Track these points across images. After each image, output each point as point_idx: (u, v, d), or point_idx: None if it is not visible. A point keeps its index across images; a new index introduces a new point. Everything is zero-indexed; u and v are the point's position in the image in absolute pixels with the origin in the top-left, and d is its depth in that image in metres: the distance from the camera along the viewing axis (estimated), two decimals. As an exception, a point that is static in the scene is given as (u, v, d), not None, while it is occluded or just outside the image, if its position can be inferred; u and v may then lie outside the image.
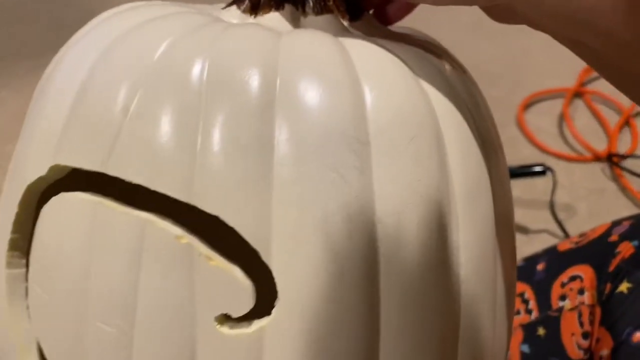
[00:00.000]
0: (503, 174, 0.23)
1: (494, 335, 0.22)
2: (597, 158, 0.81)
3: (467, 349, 0.20)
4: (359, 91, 0.18)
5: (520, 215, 0.73)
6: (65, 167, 0.18)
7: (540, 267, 0.43)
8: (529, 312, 0.41)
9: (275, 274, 0.16)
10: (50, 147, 0.19)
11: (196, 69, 0.18)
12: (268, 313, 0.16)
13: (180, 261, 0.16)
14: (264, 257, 0.16)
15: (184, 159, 0.16)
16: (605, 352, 0.36)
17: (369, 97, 0.18)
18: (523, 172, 0.71)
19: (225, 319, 0.16)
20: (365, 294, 0.16)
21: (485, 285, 0.20)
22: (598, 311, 0.38)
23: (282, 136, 0.16)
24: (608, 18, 0.19)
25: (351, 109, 0.17)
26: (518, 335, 0.41)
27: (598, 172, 0.80)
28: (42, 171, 0.19)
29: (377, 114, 0.17)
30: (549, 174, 0.72)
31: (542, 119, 0.89)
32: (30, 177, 0.19)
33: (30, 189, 0.19)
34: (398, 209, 0.16)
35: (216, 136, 0.16)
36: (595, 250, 0.40)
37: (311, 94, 0.17)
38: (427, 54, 0.23)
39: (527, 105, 0.90)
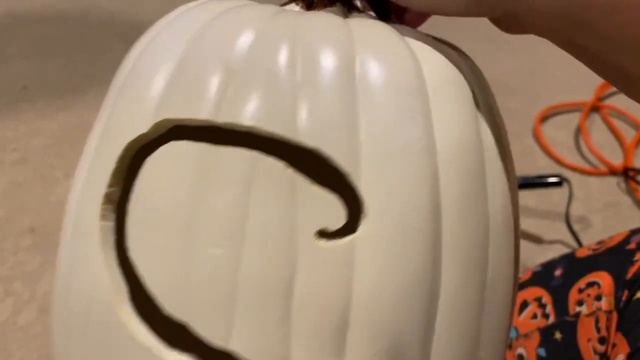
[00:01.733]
0: (513, 172, 0.26)
1: (508, 299, 0.24)
2: (612, 172, 0.81)
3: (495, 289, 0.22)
4: (415, 60, 0.22)
5: (535, 226, 0.74)
6: (164, 125, 0.21)
7: (557, 272, 0.43)
8: (546, 316, 0.42)
9: (363, 193, 0.19)
10: (151, 107, 0.21)
11: (287, 36, 0.21)
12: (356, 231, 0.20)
13: (287, 186, 0.19)
14: (355, 181, 0.20)
15: (288, 102, 0.20)
16: (621, 357, 0.37)
17: (423, 65, 0.22)
18: (539, 182, 0.72)
19: (321, 235, 0.19)
20: (431, 208, 0.20)
21: (508, 236, 0.23)
22: (615, 317, 0.38)
23: (365, 88, 0.20)
24: (607, 17, 0.20)
25: (413, 72, 0.21)
26: (535, 338, 0.41)
27: (613, 186, 0.80)
28: (143, 129, 0.21)
29: (431, 77, 0.22)
30: (565, 185, 0.73)
31: (559, 132, 0.89)
32: (131, 135, 0.21)
33: (129, 146, 0.21)
34: (452, 147, 0.21)
35: (315, 85, 0.20)
36: (613, 258, 0.41)
37: (383, 64, 0.21)
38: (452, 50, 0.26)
39: (544, 117, 0.91)
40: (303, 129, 0.19)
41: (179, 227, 0.19)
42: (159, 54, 0.22)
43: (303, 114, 0.20)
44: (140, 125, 0.21)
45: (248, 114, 0.20)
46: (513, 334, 0.43)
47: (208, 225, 0.19)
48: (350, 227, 0.19)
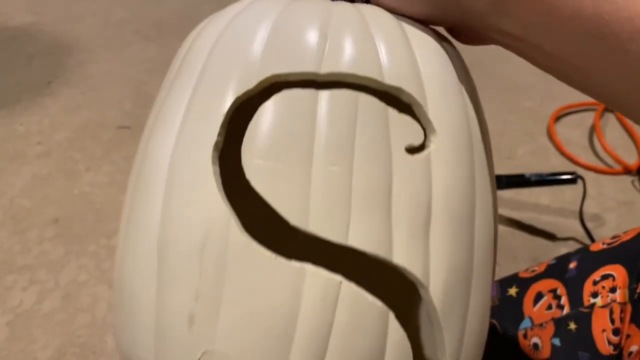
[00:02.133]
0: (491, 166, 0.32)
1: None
2: (627, 171, 0.82)
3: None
4: (440, 36, 0.30)
5: (549, 223, 0.74)
6: (268, 80, 0.25)
7: (572, 265, 0.44)
8: (560, 307, 0.43)
9: (432, 118, 0.26)
10: (253, 68, 0.26)
11: (355, 14, 0.28)
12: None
13: (382, 116, 0.26)
14: (425, 108, 0.26)
15: (374, 56, 0.26)
16: (635, 347, 0.37)
17: (449, 49, 0.30)
18: (554, 179, 0.73)
19: (409, 150, 0.26)
20: (467, 128, 0.28)
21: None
22: (629, 309, 0.39)
23: (418, 48, 0.28)
24: (520, 2, 0.24)
25: (440, 44, 0.29)
26: (550, 328, 0.42)
27: (628, 185, 0.81)
28: (249, 86, 0.25)
29: (447, 49, 0.30)
30: (579, 183, 0.73)
31: (573, 131, 0.90)
32: (238, 91, 0.25)
33: (235, 101, 0.25)
34: (469, 91, 0.29)
35: (389, 44, 0.27)
36: (627, 252, 0.41)
37: (426, 33, 0.29)
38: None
39: (559, 116, 0.91)
40: (387, 74, 0.26)
41: (300, 154, 0.24)
42: (246, 29, 0.27)
43: (385, 64, 0.26)
44: (246, 83, 0.25)
45: (347, 65, 0.26)
46: (528, 323, 0.44)
47: (325, 149, 0.25)
48: (424, 144, 0.26)
